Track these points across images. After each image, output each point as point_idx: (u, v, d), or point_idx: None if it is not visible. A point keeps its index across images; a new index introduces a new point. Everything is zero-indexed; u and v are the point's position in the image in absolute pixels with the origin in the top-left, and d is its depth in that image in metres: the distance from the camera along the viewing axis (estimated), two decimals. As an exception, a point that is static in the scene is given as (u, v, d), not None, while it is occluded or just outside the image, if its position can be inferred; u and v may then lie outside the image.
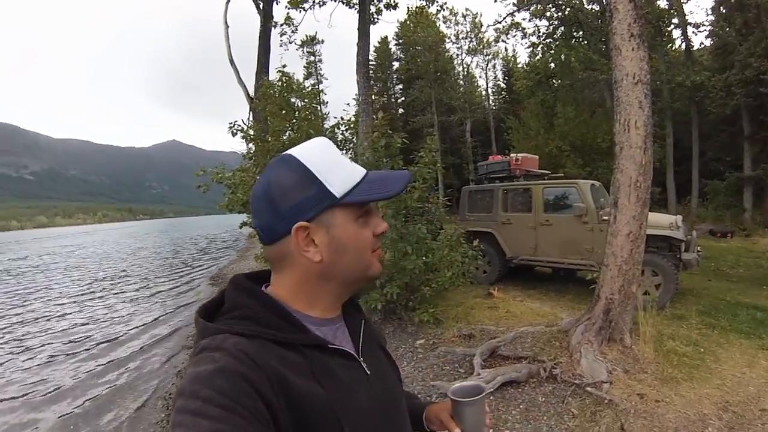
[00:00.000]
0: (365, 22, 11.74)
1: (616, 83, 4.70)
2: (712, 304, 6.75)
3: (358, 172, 0.76)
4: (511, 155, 8.62)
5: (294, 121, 7.35)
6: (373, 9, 13.23)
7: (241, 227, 7.75)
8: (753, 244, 13.31)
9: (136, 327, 8.13)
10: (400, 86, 34.30)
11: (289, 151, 0.75)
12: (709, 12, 18.69)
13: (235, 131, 7.61)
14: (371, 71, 30.38)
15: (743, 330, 5.62)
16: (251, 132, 7.55)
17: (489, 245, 7.86)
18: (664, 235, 6.42)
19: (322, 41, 31.30)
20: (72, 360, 6.51)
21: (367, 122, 8.98)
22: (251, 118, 10.00)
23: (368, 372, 0.77)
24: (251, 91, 13.50)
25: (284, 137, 7.09)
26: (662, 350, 4.57)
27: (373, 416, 0.73)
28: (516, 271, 8.20)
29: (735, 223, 16.03)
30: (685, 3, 19.01)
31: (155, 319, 8.62)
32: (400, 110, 34.02)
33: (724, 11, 17.76)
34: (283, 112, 7.40)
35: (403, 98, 33.83)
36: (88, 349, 6.95)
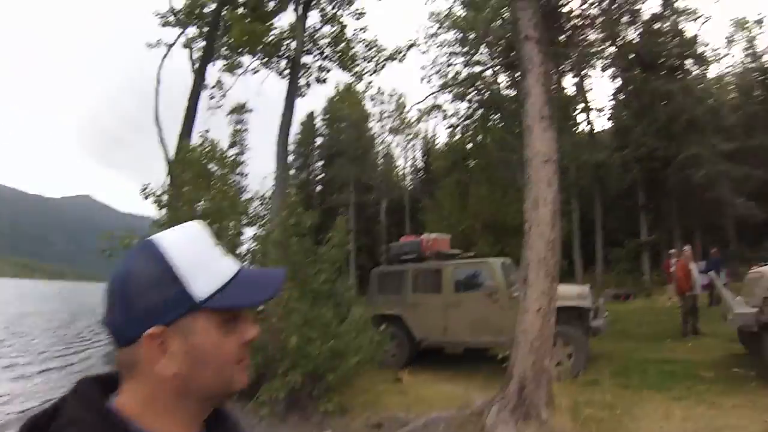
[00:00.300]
0: (293, 92, 12.02)
1: (527, 161, 4.99)
2: (622, 364, 7.08)
3: (229, 269, 0.67)
4: (423, 236, 8.71)
5: (211, 191, 7.11)
6: (303, 81, 13.62)
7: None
8: (652, 302, 14.62)
9: (15, 412, 6.98)
10: (321, 162, 34.33)
11: (153, 238, 0.65)
12: (611, 97, 21.60)
13: (147, 195, 7.19)
14: (294, 146, 30.58)
15: (654, 385, 5.93)
16: (164, 198, 7.17)
17: (398, 328, 7.67)
18: (572, 306, 6.67)
19: (251, 110, 31.41)
20: None
21: (280, 197, 8.84)
22: (168, 183, 9.59)
23: None
24: (172, 153, 13.04)
25: (198, 206, 6.79)
26: (580, 419, 4.58)
27: None
28: (426, 352, 8.03)
29: (636, 286, 17.55)
30: (589, 91, 21.77)
31: (39, 404, 7.42)
32: (319, 187, 33.86)
33: (623, 97, 20.59)
34: (200, 180, 7.15)
35: (323, 175, 33.93)
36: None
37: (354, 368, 5.51)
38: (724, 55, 21.79)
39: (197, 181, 7.12)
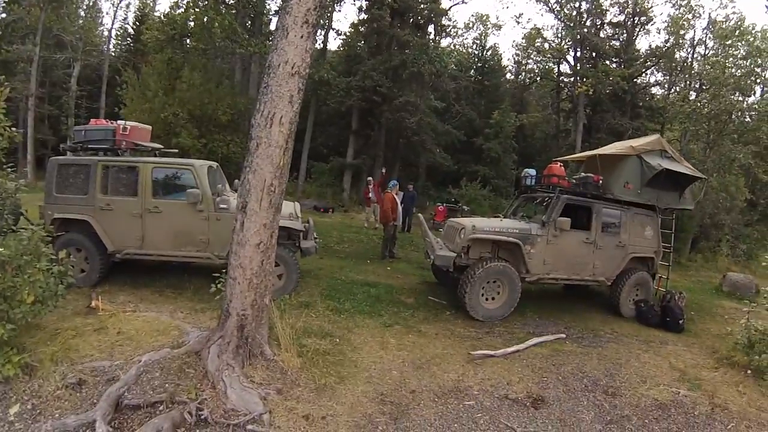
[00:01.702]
0: None
1: (269, 69, 4.23)
2: (330, 285, 7.48)
3: None
4: (119, 122, 7.16)
5: None
6: None
7: None
8: (350, 219, 16.24)
9: None
10: (5, 1, 24.11)
11: None
12: (350, 28, 23.01)
13: None
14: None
15: (365, 310, 6.43)
16: None
17: (86, 237, 6.43)
18: (284, 226, 6.46)
19: None
20: None
21: None
22: None
23: None
24: None
25: None
26: (306, 355, 4.61)
27: None
28: (121, 264, 6.92)
29: (335, 201, 19.53)
30: (337, 12, 22.00)
31: None
32: (-3, 32, 24.23)
33: (363, 30, 21.72)
34: None
35: (4, 15, 23.94)
36: None
37: (30, 312, 4.04)
38: (460, 35, 28.40)
39: None
